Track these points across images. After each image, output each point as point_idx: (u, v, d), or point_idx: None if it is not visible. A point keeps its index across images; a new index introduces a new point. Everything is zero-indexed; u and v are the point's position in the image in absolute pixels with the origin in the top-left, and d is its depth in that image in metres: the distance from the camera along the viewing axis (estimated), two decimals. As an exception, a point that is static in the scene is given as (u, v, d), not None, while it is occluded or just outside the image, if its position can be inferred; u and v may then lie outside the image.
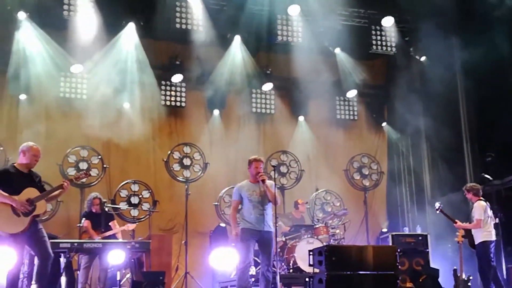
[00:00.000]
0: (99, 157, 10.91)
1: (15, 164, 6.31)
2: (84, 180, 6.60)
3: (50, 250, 6.24)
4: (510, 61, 10.14)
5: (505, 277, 9.57)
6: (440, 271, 8.15)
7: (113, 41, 11.12)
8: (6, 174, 6.16)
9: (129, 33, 11.19)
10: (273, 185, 7.04)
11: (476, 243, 8.41)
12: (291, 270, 9.00)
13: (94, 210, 8.78)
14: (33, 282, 6.76)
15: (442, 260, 10.25)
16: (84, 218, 8.77)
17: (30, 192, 6.11)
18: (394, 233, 9.92)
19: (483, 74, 10.97)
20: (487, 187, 11.19)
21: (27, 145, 6.31)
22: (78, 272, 8.39)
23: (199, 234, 11.26)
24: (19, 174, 6.20)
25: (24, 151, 6.27)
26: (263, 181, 6.88)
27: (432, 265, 9.63)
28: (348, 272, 6.18)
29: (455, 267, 9.14)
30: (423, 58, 12.24)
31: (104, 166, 10.86)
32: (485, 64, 10.70)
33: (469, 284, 8.97)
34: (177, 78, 11.67)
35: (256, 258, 8.89)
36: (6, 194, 5.98)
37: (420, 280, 6.19)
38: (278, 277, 7.13)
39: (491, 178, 10.02)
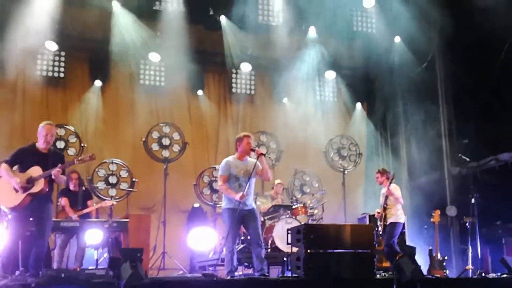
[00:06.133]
0: (77, 136, 10.79)
1: (35, 144, 6.48)
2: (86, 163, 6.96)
3: (46, 233, 6.36)
4: (489, 42, 10.20)
5: (479, 257, 9.72)
6: (416, 250, 8.25)
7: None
8: (20, 152, 6.43)
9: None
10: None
11: (392, 221, 8.50)
12: (269, 250, 9.03)
13: (72, 188, 8.66)
14: None
15: (418, 241, 10.38)
16: (61, 196, 8.66)
17: (34, 171, 6.27)
18: (371, 214, 9.99)
19: (462, 55, 11.06)
20: (464, 169, 11.36)
21: (40, 126, 6.48)
22: (54, 251, 8.32)
23: (177, 214, 11.26)
24: (34, 153, 6.39)
25: (38, 132, 6.46)
26: (261, 155, 6.87)
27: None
28: (326, 251, 6.19)
29: (430, 247, 9.29)
30: (397, 39, 12.26)
31: (82, 145, 10.74)
32: (464, 45, 10.79)
33: (444, 264, 9.13)
34: (155, 57, 11.55)
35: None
36: (10, 173, 6.25)
37: (397, 258, 6.23)
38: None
39: (468, 159, 10.14)
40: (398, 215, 8.58)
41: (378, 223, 8.65)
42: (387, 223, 8.53)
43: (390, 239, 8.39)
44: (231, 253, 6.77)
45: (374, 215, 9.18)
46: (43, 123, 6.47)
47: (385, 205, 8.55)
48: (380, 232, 8.59)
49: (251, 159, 6.98)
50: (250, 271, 8.72)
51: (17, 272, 6.21)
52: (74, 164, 6.70)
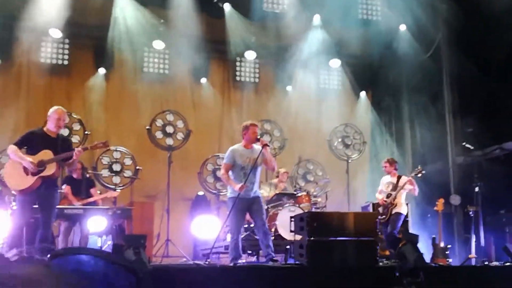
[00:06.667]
0: (81, 123, 10.81)
1: (44, 128, 6.51)
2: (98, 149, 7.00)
3: (52, 220, 6.37)
4: (494, 31, 10.14)
5: (483, 246, 9.72)
6: (419, 239, 8.25)
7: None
8: (29, 135, 6.42)
9: None
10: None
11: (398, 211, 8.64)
12: (272, 238, 9.03)
13: (75, 176, 8.68)
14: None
15: (421, 229, 10.38)
16: (64, 184, 8.68)
17: (45, 154, 6.27)
18: (375, 202, 9.99)
19: (468, 44, 11.00)
20: (468, 158, 11.32)
21: (51, 109, 6.48)
22: (58, 238, 8.35)
23: (181, 202, 11.28)
24: (44, 137, 6.39)
25: (48, 115, 6.46)
26: (266, 146, 6.85)
27: (411, 233, 9.75)
28: (329, 238, 6.19)
29: (434, 236, 9.29)
30: (403, 27, 12.17)
31: (86, 132, 10.75)
32: (469, 35, 10.72)
33: (447, 252, 9.12)
34: (159, 45, 11.52)
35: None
36: (20, 154, 6.24)
37: (400, 246, 6.24)
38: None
39: (472, 147, 10.09)
40: (403, 205, 8.64)
41: (382, 211, 8.65)
42: (393, 213, 8.56)
43: (395, 229, 8.43)
44: (236, 240, 6.81)
45: (377, 203, 9.19)
46: (54, 107, 6.49)
47: (395, 195, 8.60)
48: (383, 221, 8.60)
49: (258, 147, 6.97)
50: (253, 258, 8.75)
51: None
52: (88, 150, 6.75)
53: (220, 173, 7.25)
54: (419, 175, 8.79)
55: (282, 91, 12.57)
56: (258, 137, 6.98)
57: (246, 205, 6.91)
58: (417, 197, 10.93)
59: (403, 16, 11.76)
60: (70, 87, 11.34)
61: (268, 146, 6.95)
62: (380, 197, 8.86)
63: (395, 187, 8.68)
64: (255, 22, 11.98)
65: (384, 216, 8.59)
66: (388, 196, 8.68)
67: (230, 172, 6.98)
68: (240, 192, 6.71)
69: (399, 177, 8.78)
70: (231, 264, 6.69)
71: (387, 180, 8.92)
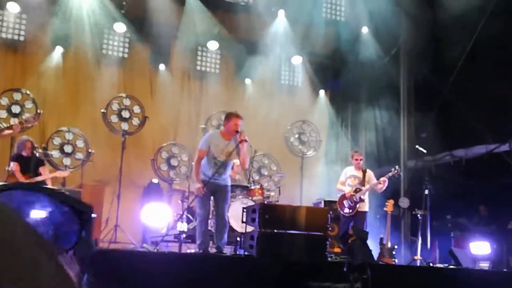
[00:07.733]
0: (34, 101, 10.50)
1: None
2: (31, 124, 6.70)
3: None
4: (450, 40, 10.38)
5: (428, 248, 9.94)
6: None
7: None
8: None
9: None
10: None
11: (365, 209, 8.69)
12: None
13: (24, 154, 8.42)
14: None
15: (370, 228, 10.50)
16: (13, 161, 8.40)
17: None
18: (326, 199, 10.08)
19: (426, 52, 11.22)
20: (419, 162, 11.57)
21: None
22: None
23: (133, 188, 11.08)
24: None
25: None
26: (243, 141, 6.72)
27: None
28: (280, 231, 6.21)
29: (381, 236, 9.43)
30: (365, 29, 12.32)
31: (38, 111, 10.44)
32: (429, 43, 10.94)
33: (394, 252, 9.28)
34: (120, 28, 11.31)
35: (190, 216, 8.92)
36: None
37: (349, 242, 6.31)
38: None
39: (425, 151, 10.29)
40: (368, 203, 8.70)
41: (348, 205, 8.64)
42: (361, 211, 8.60)
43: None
44: (205, 227, 6.74)
45: (328, 201, 9.24)
46: None
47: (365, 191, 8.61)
48: (347, 215, 8.59)
49: (236, 140, 6.82)
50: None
51: None
52: (22, 125, 6.52)
53: (195, 158, 7.10)
54: (396, 175, 8.82)
55: (242, 84, 12.54)
56: (239, 130, 6.82)
57: (211, 190, 6.81)
58: (368, 198, 11.11)
59: (365, 18, 11.90)
60: (25, 63, 10.99)
61: (246, 142, 6.81)
62: (346, 189, 8.82)
63: (362, 182, 8.67)
64: (219, 12, 11.91)
65: (350, 211, 8.60)
66: (357, 190, 8.69)
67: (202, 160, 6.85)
68: (198, 194, 6.64)
69: (364, 172, 8.80)
70: (200, 251, 6.64)
71: (351, 172, 8.88)
